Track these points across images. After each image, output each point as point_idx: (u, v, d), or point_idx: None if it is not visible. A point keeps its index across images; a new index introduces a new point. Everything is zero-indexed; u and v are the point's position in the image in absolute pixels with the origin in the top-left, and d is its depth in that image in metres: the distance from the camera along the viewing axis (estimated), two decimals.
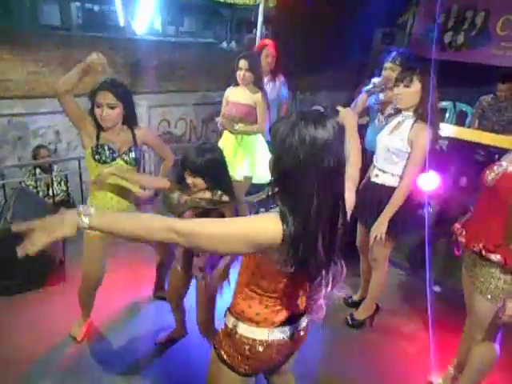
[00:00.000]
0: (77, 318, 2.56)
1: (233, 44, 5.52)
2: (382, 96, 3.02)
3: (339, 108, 1.42)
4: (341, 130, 1.08)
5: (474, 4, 5.60)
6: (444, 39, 6.04)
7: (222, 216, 1.80)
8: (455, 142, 3.81)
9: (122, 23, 4.22)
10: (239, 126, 3.28)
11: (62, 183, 4.29)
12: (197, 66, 5.22)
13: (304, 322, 1.40)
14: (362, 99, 3.04)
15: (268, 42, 3.78)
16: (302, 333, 1.39)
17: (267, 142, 3.55)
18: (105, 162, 2.15)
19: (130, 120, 2.22)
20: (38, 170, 4.18)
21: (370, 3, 5.18)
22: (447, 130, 4.29)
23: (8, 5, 4.40)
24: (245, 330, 1.31)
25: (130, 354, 2.45)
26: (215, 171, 1.88)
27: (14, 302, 2.81)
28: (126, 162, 2.21)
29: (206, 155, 1.86)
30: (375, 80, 2.98)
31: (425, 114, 2.22)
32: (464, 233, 1.97)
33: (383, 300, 2.98)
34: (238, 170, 3.29)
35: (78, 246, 3.07)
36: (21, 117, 4.15)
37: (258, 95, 3.23)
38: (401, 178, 2.33)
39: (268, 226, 1.07)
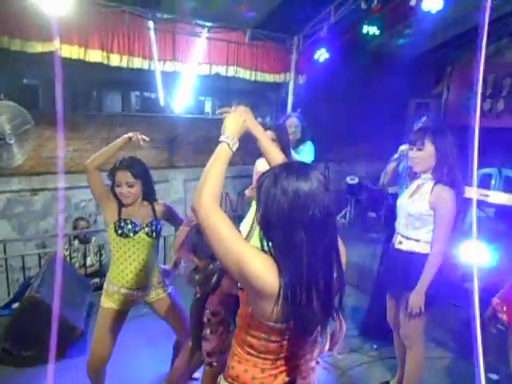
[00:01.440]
0: None
1: (267, 120, 5.74)
2: (410, 162, 2.92)
3: (228, 109, 1.34)
4: (325, 180, 1.09)
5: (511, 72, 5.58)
6: (483, 106, 5.96)
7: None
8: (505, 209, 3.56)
9: (162, 103, 4.53)
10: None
11: (98, 254, 4.40)
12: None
13: None
14: (390, 168, 2.93)
15: (293, 114, 3.87)
16: None
17: None
18: (127, 236, 2.19)
19: (149, 195, 2.29)
20: (76, 241, 4.34)
21: (404, 75, 5.27)
22: (496, 197, 4.03)
23: (76, 97, 4.94)
24: None
25: None
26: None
27: (29, 373, 2.74)
28: (147, 234, 2.24)
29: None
30: (402, 147, 2.88)
31: (445, 176, 2.10)
32: (505, 308, 1.71)
33: None
34: (253, 242, 3.20)
35: None
36: (64, 191, 4.42)
37: None
38: (427, 243, 2.16)
39: (267, 272, 1.06)
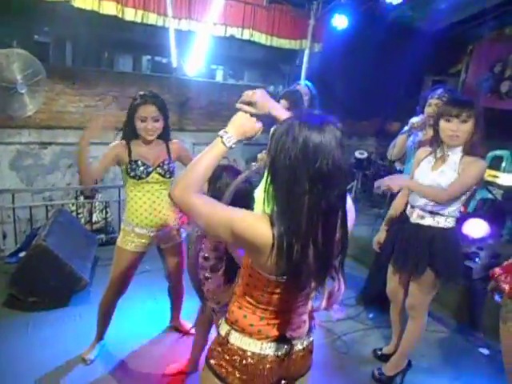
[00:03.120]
0: (91, 341, 2.53)
1: (280, 88, 5.65)
2: (421, 135, 2.87)
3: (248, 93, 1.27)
4: (341, 135, 1.05)
5: None
6: (501, 88, 5.81)
7: None
8: None
9: (174, 64, 4.46)
10: None
11: (104, 211, 4.45)
12: None
13: (304, 342, 1.28)
14: (400, 140, 2.87)
15: (302, 82, 3.79)
16: (300, 354, 1.26)
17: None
18: (140, 178, 2.19)
19: (166, 132, 2.25)
20: (81, 197, 4.38)
21: (422, 50, 5.13)
22: (505, 178, 3.99)
23: (88, 56, 4.88)
24: (237, 339, 1.22)
25: (137, 382, 2.34)
26: None
27: (33, 319, 2.84)
28: (160, 174, 2.23)
29: None
30: (413, 120, 2.83)
31: (474, 149, 2.05)
32: (508, 278, 1.73)
33: (420, 357, 2.67)
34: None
35: (106, 269, 3.14)
36: (72, 146, 4.43)
37: None
38: (452, 217, 2.14)
39: (258, 224, 1.06)
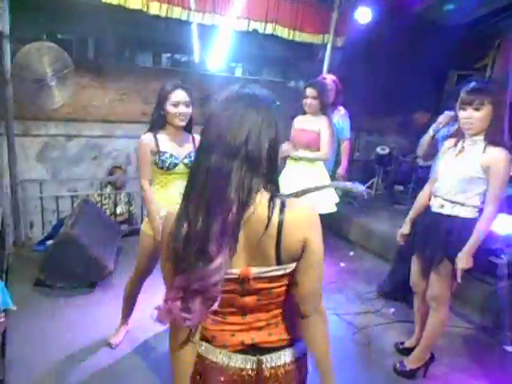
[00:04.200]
0: (116, 326, 2.59)
1: (300, 83, 5.63)
2: (452, 129, 2.84)
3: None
4: (246, 115, 0.96)
5: None
6: None
7: None
8: None
9: (196, 60, 4.50)
10: (302, 153, 3.25)
11: (128, 204, 4.54)
12: None
13: (282, 357, 1.09)
14: (426, 140, 2.82)
15: (328, 75, 3.80)
16: (279, 372, 1.08)
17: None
18: (168, 169, 2.24)
19: (190, 124, 2.31)
20: (108, 188, 4.48)
21: (447, 44, 5.03)
22: None
23: (109, 53, 4.99)
24: (202, 348, 1.10)
25: (161, 366, 2.39)
26: None
27: (60, 303, 2.93)
28: (187, 166, 2.27)
29: None
30: (441, 118, 2.76)
31: (497, 137, 2.03)
32: None
33: (442, 352, 2.65)
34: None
35: (129, 257, 3.21)
36: (97, 139, 4.52)
37: (324, 122, 3.21)
38: (472, 207, 2.12)
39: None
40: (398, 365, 2.48)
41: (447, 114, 2.66)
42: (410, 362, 2.46)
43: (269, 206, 0.95)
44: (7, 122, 3.53)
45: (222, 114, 0.96)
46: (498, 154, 2.02)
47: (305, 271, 1.01)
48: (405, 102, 5.64)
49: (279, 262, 0.99)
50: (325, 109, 3.25)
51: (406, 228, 2.46)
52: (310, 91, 3.18)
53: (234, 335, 1.07)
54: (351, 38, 4.79)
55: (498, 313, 3.02)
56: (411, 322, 2.87)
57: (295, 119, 3.44)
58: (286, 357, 1.09)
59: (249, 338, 1.07)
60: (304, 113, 3.33)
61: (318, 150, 3.26)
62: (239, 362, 1.07)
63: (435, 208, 2.26)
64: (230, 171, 0.92)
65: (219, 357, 1.07)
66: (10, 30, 3.23)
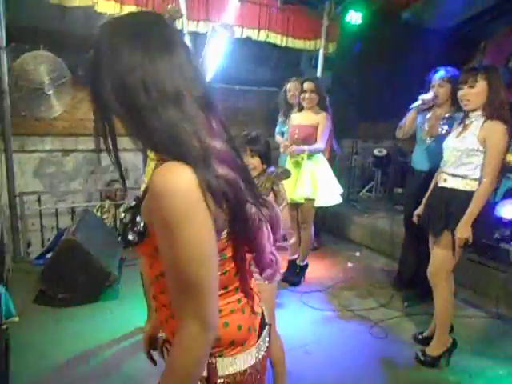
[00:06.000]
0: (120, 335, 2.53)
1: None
2: (429, 114, 2.91)
3: None
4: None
5: None
6: None
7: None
8: None
9: None
10: (302, 149, 3.22)
11: None
12: (260, 112, 5.41)
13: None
14: (410, 117, 2.93)
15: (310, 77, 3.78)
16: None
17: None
18: None
19: None
20: (107, 203, 4.41)
21: (436, 48, 5.15)
22: None
23: None
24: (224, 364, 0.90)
25: None
26: (269, 153, 1.94)
27: (63, 314, 2.81)
28: None
29: (261, 137, 1.94)
30: (423, 96, 2.85)
31: (495, 112, 2.09)
32: None
33: (463, 341, 2.56)
34: (298, 191, 3.19)
35: (133, 269, 3.13)
36: (94, 153, 4.48)
37: (322, 115, 3.21)
38: (472, 179, 2.16)
39: None
40: (419, 354, 2.41)
41: (432, 93, 2.79)
42: (432, 350, 2.39)
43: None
44: (5, 137, 3.48)
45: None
46: (494, 126, 2.09)
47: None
48: (398, 106, 5.70)
49: None
50: (323, 102, 3.25)
51: (420, 209, 2.50)
52: (308, 85, 3.19)
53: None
54: (343, 44, 4.88)
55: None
56: (425, 314, 2.82)
57: (292, 116, 3.45)
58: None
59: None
60: (300, 109, 3.33)
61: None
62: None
63: (440, 183, 2.33)
64: None
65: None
66: (6, 41, 3.23)
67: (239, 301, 0.92)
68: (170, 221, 0.72)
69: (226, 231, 0.83)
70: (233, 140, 0.89)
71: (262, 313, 1.02)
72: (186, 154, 0.74)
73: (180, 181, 0.73)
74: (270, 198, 1.85)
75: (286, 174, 1.84)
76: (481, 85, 2.11)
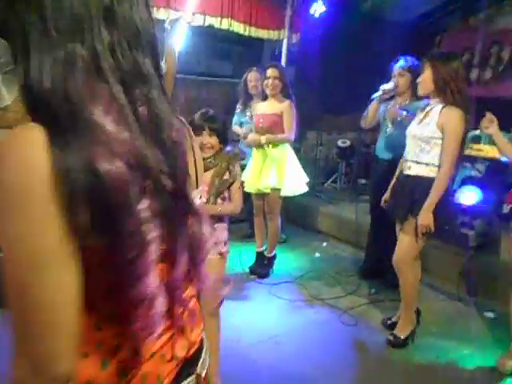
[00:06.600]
0: None
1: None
2: (392, 103, 2.99)
3: None
4: None
5: (500, 40, 5.62)
6: (470, 76, 6.00)
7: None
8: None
9: None
10: (266, 138, 3.17)
11: None
12: (222, 103, 5.32)
13: None
14: (372, 107, 3.00)
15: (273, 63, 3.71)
16: None
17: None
18: None
19: None
20: None
21: (396, 42, 5.24)
22: (489, 150, 4.06)
23: None
24: None
25: None
26: (226, 133, 2.00)
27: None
28: None
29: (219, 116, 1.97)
30: (384, 86, 2.91)
31: (451, 99, 2.15)
32: None
33: (428, 323, 2.65)
34: (263, 181, 3.14)
35: None
36: None
37: (286, 104, 3.15)
38: (436, 166, 2.21)
39: None
40: (391, 337, 2.46)
41: (392, 83, 2.88)
42: (400, 331, 2.45)
43: None
44: None
45: None
46: (450, 112, 2.14)
47: None
48: (360, 99, 5.77)
49: None
50: (287, 90, 3.21)
51: (387, 194, 2.55)
52: (271, 71, 3.13)
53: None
54: (306, 35, 4.87)
55: (472, 283, 3.09)
56: (391, 301, 2.87)
57: (255, 105, 3.40)
58: None
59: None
60: (264, 99, 3.28)
61: (280, 133, 3.19)
62: None
63: (405, 171, 2.37)
64: None
65: None
66: None
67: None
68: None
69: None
70: (163, 142, 0.63)
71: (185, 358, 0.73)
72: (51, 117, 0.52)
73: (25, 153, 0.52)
74: (226, 177, 1.92)
75: (243, 155, 1.86)
76: (427, 70, 2.20)
